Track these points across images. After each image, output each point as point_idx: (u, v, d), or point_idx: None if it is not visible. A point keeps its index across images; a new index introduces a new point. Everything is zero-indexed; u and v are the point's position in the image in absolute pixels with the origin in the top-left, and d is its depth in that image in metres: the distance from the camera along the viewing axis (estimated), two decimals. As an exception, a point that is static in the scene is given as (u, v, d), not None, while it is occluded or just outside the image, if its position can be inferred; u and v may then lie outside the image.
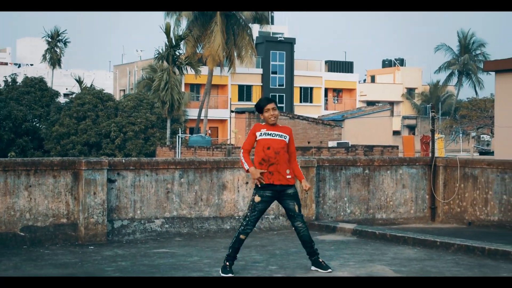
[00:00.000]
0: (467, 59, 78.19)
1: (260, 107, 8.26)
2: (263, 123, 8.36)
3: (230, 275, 8.09)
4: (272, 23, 71.51)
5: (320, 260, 8.37)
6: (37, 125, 53.55)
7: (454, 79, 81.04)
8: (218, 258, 9.28)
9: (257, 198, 8.21)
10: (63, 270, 8.52)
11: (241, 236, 8.20)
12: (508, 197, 12.56)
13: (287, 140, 8.25)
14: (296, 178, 8.44)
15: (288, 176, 8.21)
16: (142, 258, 9.32)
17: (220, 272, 8.19)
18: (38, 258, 9.33)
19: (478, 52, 79.82)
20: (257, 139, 8.25)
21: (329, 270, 8.29)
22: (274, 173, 8.15)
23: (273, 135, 8.21)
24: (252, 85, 67.71)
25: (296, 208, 8.23)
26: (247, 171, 8.20)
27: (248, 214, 8.23)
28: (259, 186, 8.20)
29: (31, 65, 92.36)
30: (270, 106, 8.21)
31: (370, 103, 74.51)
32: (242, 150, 8.32)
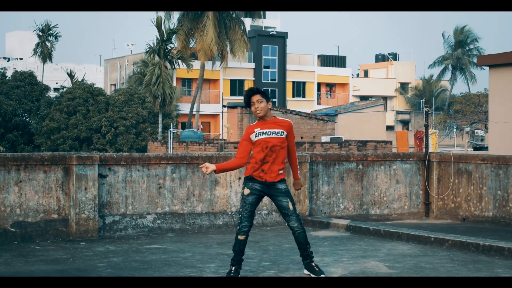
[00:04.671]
0: (460, 53, 78.39)
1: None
2: (255, 122, 7.85)
3: None
4: (264, 17, 71.51)
5: (313, 265, 7.84)
6: (27, 119, 53.34)
7: (448, 74, 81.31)
8: (211, 254, 9.28)
9: (246, 191, 7.67)
10: (54, 266, 8.51)
11: (239, 237, 7.65)
12: (503, 193, 12.59)
13: (284, 135, 7.71)
14: (293, 175, 8.01)
15: (280, 172, 7.70)
16: (134, 254, 9.31)
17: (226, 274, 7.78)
18: (29, 254, 9.31)
19: (471, 46, 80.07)
20: (253, 141, 7.70)
21: (322, 275, 7.75)
22: (267, 172, 7.64)
23: (269, 133, 7.67)
24: (244, 80, 67.68)
25: (290, 205, 7.66)
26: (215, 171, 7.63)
27: (241, 210, 7.71)
28: (247, 179, 7.73)
29: (21, 59, 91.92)
30: (254, 98, 7.65)
31: (363, 98, 74.59)
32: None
